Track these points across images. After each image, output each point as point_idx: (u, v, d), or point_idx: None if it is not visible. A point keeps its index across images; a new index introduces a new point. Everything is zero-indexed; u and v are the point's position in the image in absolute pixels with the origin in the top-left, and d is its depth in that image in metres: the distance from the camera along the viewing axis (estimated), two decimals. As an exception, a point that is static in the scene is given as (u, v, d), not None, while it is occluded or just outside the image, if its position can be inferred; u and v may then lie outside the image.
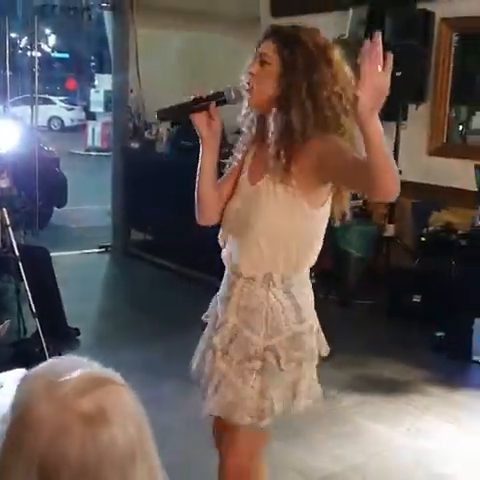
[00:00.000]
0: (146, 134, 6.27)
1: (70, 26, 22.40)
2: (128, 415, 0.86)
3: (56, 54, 25.48)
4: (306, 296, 1.84)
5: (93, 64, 23.98)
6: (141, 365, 3.88)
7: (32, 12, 6.72)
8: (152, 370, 3.83)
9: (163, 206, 5.84)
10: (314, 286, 5.75)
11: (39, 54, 7.91)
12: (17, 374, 1.71)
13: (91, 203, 8.55)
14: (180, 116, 1.88)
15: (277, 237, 1.77)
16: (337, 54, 1.75)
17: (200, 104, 1.80)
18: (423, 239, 4.63)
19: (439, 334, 4.22)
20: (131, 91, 6.28)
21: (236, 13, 6.58)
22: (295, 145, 1.72)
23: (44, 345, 3.59)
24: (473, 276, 4.01)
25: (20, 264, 3.62)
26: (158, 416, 3.46)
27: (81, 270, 5.84)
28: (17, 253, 3.64)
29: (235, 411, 1.80)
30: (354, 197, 6.49)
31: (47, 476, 0.78)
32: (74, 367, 0.85)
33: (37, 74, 6.91)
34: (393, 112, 5.29)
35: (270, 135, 1.78)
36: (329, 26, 5.92)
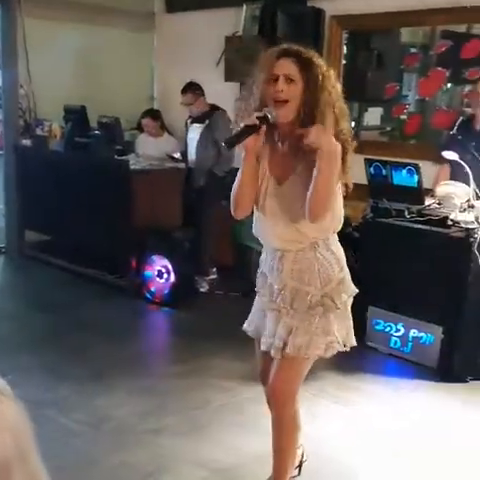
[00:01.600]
0: (38, 131, 6.08)
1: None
2: (7, 426, 0.86)
3: None
4: (340, 250, 2.34)
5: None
6: (39, 367, 3.79)
7: None
8: (50, 372, 3.75)
9: (58, 204, 5.71)
10: (216, 282, 5.78)
11: None
12: None
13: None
14: (242, 140, 2.21)
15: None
16: (333, 74, 2.20)
17: (255, 128, 2.16)
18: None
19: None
20: (21, 86, 6.06)
21: (130, 7, 6.51)
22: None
23: None
24: (365, 266, 4.17)
25: None
26: (57, 417, 3.41)
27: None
28: None
29: (308, 348, 2.27)
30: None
31: None
32: None
33: None
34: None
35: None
36: (223, 22, 5.98)
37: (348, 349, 2.37)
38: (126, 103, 6.29)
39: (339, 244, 2.36)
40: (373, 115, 6.18)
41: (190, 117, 5.59)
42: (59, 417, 3.24)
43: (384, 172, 4.03)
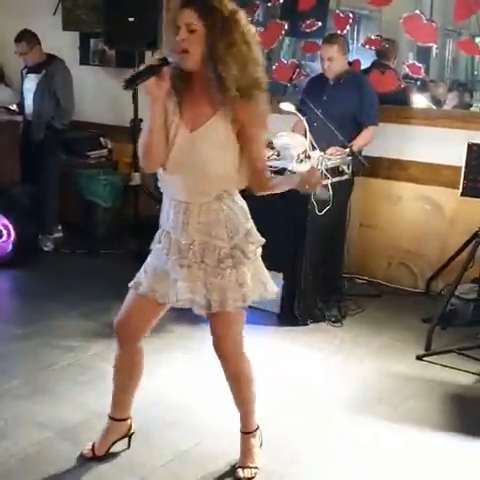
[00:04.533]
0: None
1: None
2: None
3: None
4: (244, 201, 2.34)
5: None
6: None
7: None
8: None
9: None
10: (61, 240, 5.59)
11: None
12: None
13: None
14: (141, 81, 2.11)
15: (221, 167, 2.20)
16: (242, 14, 2.13)
17: (155, 69, 2.09)
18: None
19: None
20: None
21: None
22: (228, 94, 2.10)
23: None
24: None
25: None
26: None
27: None
28: None
29: (226, 302, 2.26)
30: (99, 147, 6.33)
31: None
32: None
33: None
34: (130, 59, 5.28)
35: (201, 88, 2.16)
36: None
37: (271, 297, 2.38)
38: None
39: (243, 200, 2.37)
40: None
41: (26, 67, 5.29)
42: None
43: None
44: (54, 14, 5.75)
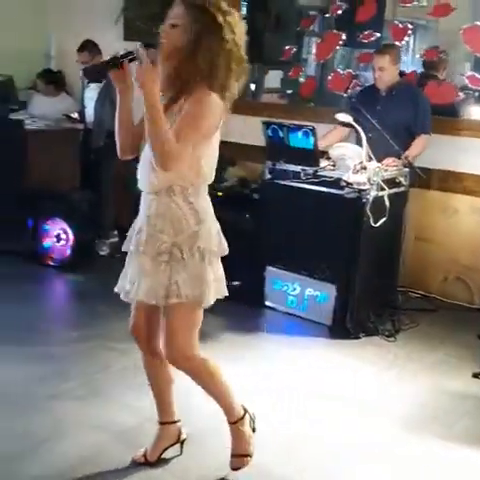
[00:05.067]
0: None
1: None
2: None
3: None
4: (203, 204, 2.31)
5: None
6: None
7: None
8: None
9: None
10: (117, 244, 5.64)
11: None
12: None
13: None
14: (101, 73, 2.32)
15: None
16: (229, 21, 2.16)
17: (115, 62, 2.19)
18: (220, 194, 4.79)
19: (235, 283, 4.44)
20: None
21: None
22: (188, 87, 2.18)
23: None
24: (264, 227, 4.25)
25: None
26: None
27: None
28: None
29: (155, 295, 2.28)
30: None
31: None
32: None
33: None
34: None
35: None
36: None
37: (205, 306, 2.33)
38: (20, 62, 5.99)
39: (205, 199, 2.34)
40: (273, 78, 6.22)
41: (87, 76, 5.42)
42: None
43: (281, 134, 4.09)
44: (115, 24, 5.88)
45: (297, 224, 4.10)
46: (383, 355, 3.79)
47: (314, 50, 5.35)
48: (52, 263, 4.95)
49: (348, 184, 3.87)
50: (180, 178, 2.24)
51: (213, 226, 2.35)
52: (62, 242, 4.94)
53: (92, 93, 5.35)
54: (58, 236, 4.94)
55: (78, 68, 5.45)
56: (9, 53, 5.88)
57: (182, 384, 2.62)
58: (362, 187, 3.83)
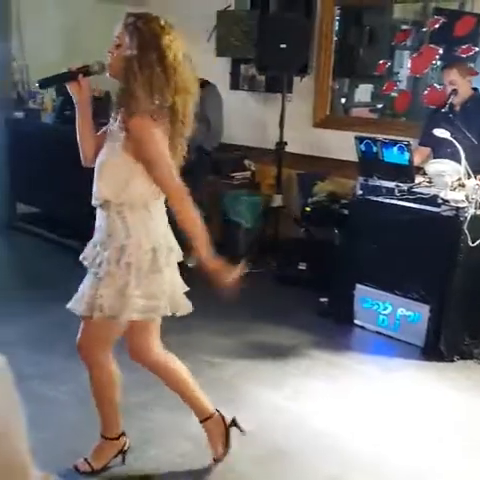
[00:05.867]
0: (31, 103, 6.02)
1: None
2: None
3: None
4: (137, 220, 2.31)
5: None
6: (23, 341, 3.77)
7: None
8: (34, 345, 3.73)
9: (46, 177, 5.65)
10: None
11: None
12: None
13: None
14: (56, 84, 2.45)
15: (108, 176, 2.30)
16: (167, 39, 2.21)
17: (71, 75, 2.32)
18: (308, 209, 4.76)
19: (323, 300, 4.39)
20: (14, 60, 6.00)
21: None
22: (129, 110, 2.22)
23: None
24: (354, 244, 4.17)
25: None
26: (44, 391, 3.40)
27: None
28: None
29: (86, 308, 2.36)
30: (243, 169, 6.51)
31: None
32: None
33: None
34: (279, 84, 5.38)
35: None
36: (215, -4, 5.90)
37: (121, 321, 2.35)
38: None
39: (142, 215, 2.31)
40: (363, 92, 6.14)
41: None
42: (46, 390, 3.23)
43: (375, 149, 4.01)
44: (208, 41, 5.98)
45: (389, 241, 4.00)
46: (478, 379, 3.62)
47: (408, 64, 5.24)
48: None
49: (445, 201, 3.75)
50: (115, 195, 2.30)
51: (144, 242, 2.31)
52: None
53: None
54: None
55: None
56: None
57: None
58: (460, 205, 3.70)
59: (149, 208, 2.33)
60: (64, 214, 5.71)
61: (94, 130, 2.43)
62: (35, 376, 3.32)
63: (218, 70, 5.92)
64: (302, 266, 4.83)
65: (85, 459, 2.62)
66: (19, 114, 6.07)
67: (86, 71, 2.34)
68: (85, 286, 2.41)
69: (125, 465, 2.67)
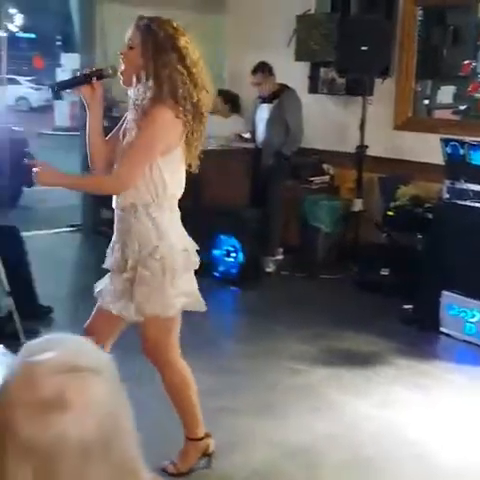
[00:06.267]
0: (114, 112, 6.18)
1: (35, 5, 21.66)
2: (91, 407, 0.78)
3: (21, 34, 24.48)
4: (167, 219, 2.35)
5: (59, 43, 23.30)
6: (113, 345, 3.87)
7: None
8: (125, 347, 3.81)
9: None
10: (282, 262, 5.72)
11: (5, 34, 7.68)
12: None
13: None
14: (70, 88, 2.43)
15: None
16: (184, 41, 2.29)
17: (85, 79, 2.34)
18: (390, 213, 4.68)
19: (407, 306, 4.29)
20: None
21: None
22: (146, 109, 2.28)
23: (17, 323, 3.56)
24: (439, 249, 4.07)
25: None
26: (132, 392, 3.46)
27: (52, 248, 5.78)
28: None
29: (124, 310, 2.36)
30: (321, 173, 6.45)
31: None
32: (50, 348, 0.81)
33: (3, 55, 6.77)
34: (360, 87, 5.32)
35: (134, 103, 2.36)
36: (295, 1, 5.89)
37: (137, 319, 2.38)
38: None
39: (171, 214, 2.37)
40: (445, 93, 6.00)
41: (259, 97, 5.56)
42: (134, 392, 3.29)
43: (462, 152, 3.91)
44: (288, 45, 5.98)
45: (477, 246, 3.88)
46: None
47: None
48: (218, 276, 5.08)
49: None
50: (140, 196, 2.32)
51: (178, 242, 2.36)
52: (231, 258, 5.07)
53: (263, 113, 5.46)
54: (228, 252, 5.07)
55: (251, 89, 5.61)
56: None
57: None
58: None
59: (173, 208, 2.39)
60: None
61: (104, 135, 2.45)
62: (126, 378, 3.40)
63: (297, 74, 5.92)
64: (384, 272, 4.74)
65: (172, 461, 2.65)
66: (104, 123, 6.24)
67: (100, 74, 2.35)
68: (117, 291, 2.41)
69: (211, 469, 2.69)
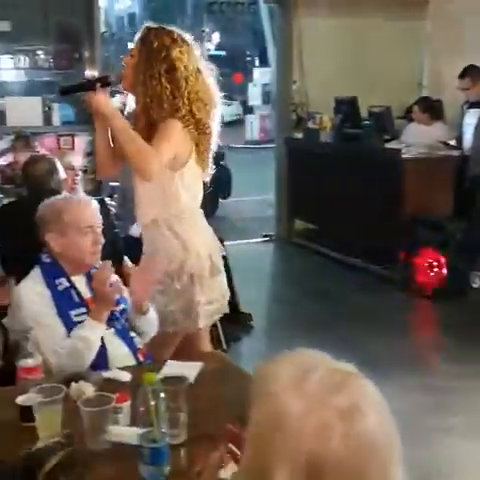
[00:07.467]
0: (309, 124, 6.25)
1: (230, 23, 22.67)
2: (380, 409, 0.83)
3: (213, 52, 25.72)
4: (190, 231, 2.38)
5: (249, 59, 24.12)
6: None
7: (201, 9, 7.00)
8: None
9: (328, 195, 5.78)
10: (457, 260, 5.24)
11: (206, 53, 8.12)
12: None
13: (253, 195, 8.73)
14: (75, 93, 2.48)
15: (144, 193, 2.38)
16: (178, 51, 2.27)
17: (89, 85, 2.36)
18: None
19: None
20: (294, 82, 6.30)
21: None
22: (150, 117, 2.30)
23: (220, 330, 3.66)
24: None
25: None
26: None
27: (247, 258, 5.94)
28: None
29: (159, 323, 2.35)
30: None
31: (314, 475, 0.76)
32: (314, 362, 0.84)
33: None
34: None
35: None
36: None
37: (190, 330, 2.40)
38: (395, 92, 6.14)
39: (192, 226, 2.39)
40: None
41: (467, 102, 5.28)
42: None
43: None
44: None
45: None
46: None
47: None
48: (419, 289, 4.86)
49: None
50: (160, 211, 2.35)
51: (202, 250, 2.37)
52: (434, 271, 4.83)
53: (472, 119, 5.18)
54: (430, 265, 4.85)
55: (453, 95, 5.36)
56: (386, 84, 6.09)
57: None
58: None
59: (194, 216, 2.41)
60: (344, 232, 5.76)
61: (111, 142, 2.41)
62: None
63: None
64: None
65: None
66: (298, 134, 6.34)
67: (104, 81, 2.34)
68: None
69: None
